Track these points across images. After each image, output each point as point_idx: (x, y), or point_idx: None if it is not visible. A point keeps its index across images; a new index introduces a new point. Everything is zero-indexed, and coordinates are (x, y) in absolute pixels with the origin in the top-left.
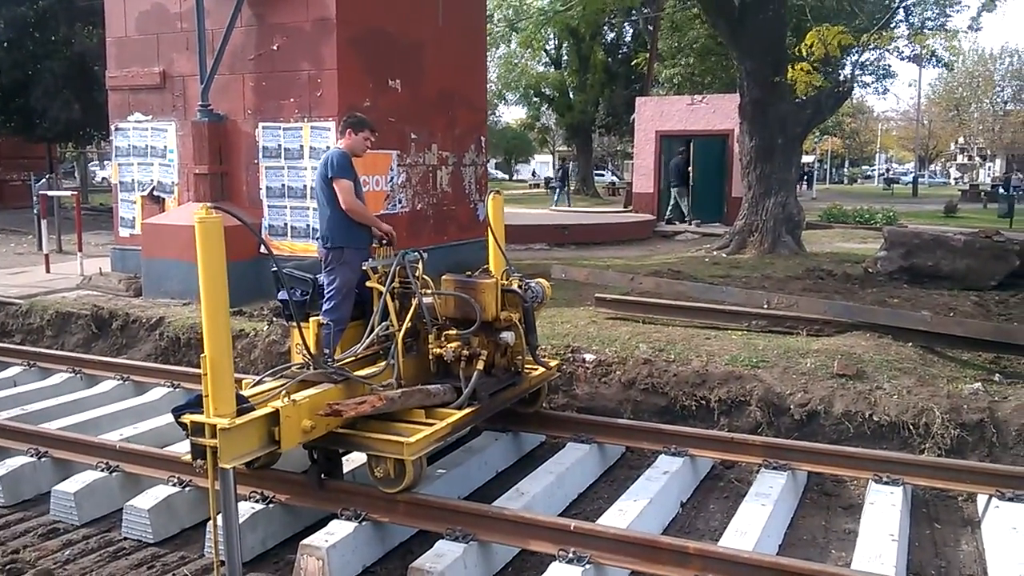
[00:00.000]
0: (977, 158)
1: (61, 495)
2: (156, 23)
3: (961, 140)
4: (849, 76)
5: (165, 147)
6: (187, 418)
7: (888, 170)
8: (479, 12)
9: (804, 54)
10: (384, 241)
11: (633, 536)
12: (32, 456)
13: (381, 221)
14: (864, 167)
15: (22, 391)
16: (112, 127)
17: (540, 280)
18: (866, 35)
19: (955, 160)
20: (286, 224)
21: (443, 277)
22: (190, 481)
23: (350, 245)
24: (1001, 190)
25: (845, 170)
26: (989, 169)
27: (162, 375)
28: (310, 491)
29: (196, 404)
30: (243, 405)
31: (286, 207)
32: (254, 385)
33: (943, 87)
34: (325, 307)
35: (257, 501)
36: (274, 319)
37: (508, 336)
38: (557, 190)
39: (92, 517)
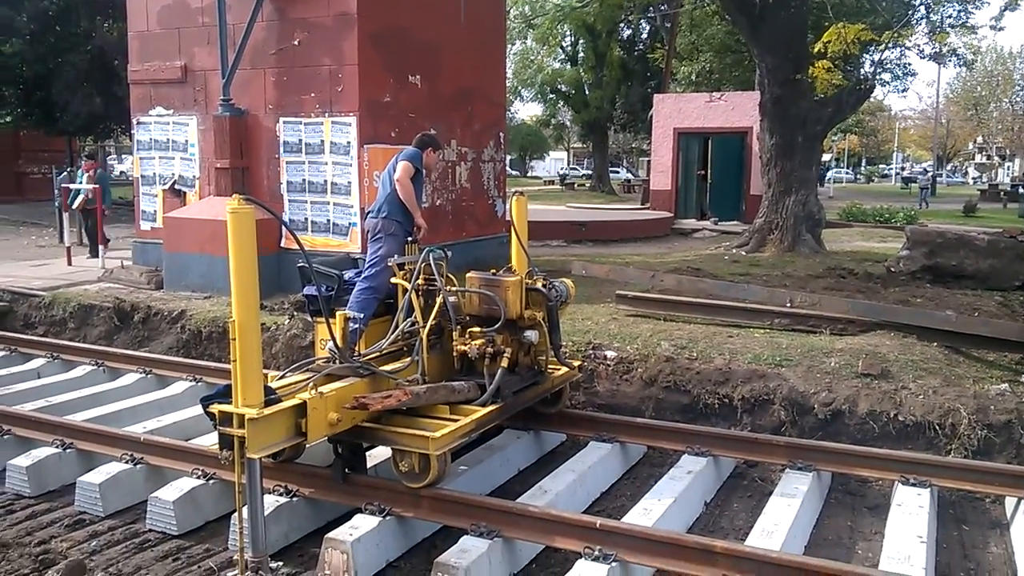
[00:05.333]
0: (996, 157)
1: (86, 486)
2: (178, 18)
3: (980, 139)
4: (870, 74)
5: (186, 141)
6: (215, 407)
7: (910, 168)
8: (498, 7)
9: (823, 51)
10: (409, 239)
11: (659, 534)
12: (57, 447)
13: (420, 215)
14: (881, 166)
15: (46, 383)
16: (134, 121)
17: (564, 280)
18: (888, 32)
19: (973, 159)
20: (306, 219)
21: (468, 275)
22: (214, 474)
23: (401, 222)
24: (1021, 190)
25: (862, 168)
26: (1008, 169)
27: (184, 369)
28: (334, 485)
29: (224, 394)
30: (271, 396)
31: (306, 202)
32: (280, 378)
33: (961, 86)
34: (366, 273)
35: (281, 494)
36: (295, 313)
37: (532, 335)
38: None
39: (116, 508)
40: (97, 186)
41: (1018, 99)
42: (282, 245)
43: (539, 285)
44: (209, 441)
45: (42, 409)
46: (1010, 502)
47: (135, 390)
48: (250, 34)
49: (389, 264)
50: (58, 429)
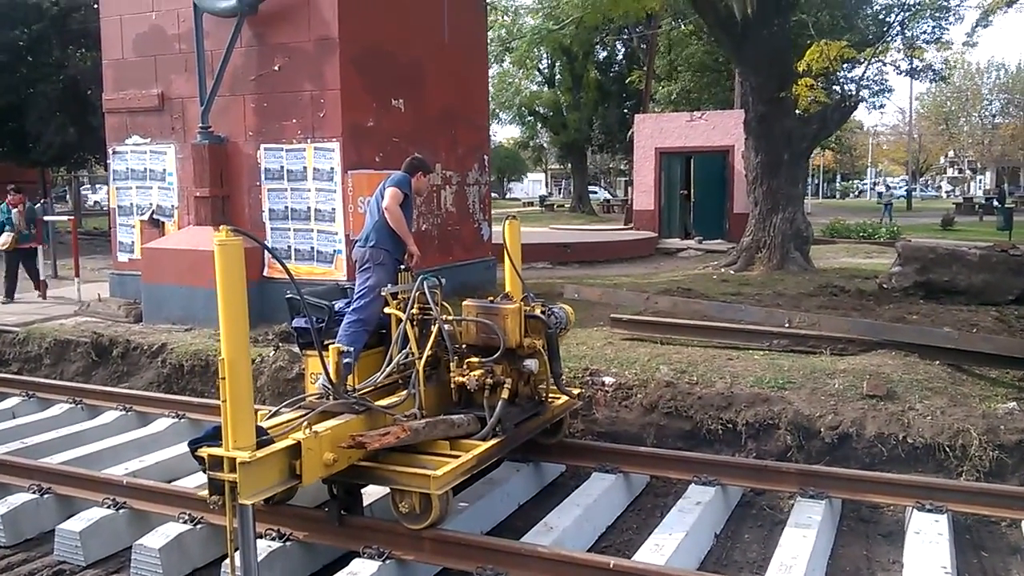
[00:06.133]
0: (968, 171)
1: (66, 534)
2: (154, 45)
3: (951, 153)
4: (854, 91)
5: (164, 170)
6: (204, 451)
7: (886, 184)
8: (480, 28)
9: (808, 68)
10: (403, 267)
11: (678, 575)
12: (34, 493)
13: (413, 242)
14: (855, 181)
15: (21, 423)
16: (109, 150)
17: (563, 306)
18: (869, 49)
19: (945, 173)
20: (290, 247)
21: (464, 303)
22: (202, 518)
23: (390, 251)
24: (996, 203)
25: (837, 184)
26: (980, 182)
27: (167, 405)
28: (329, 528)
29: (213, 436)
30: (262, 437)
31: (289, 229)
32: (271, 416)
33: (932, 101)
34: (354, 305)
35: (274, 539)
36: (280, 345)
37: (532, 364)
38: None
39: (99, 557)
40: (72, 218)
41: (987, 113)
42: (265, 274)
43: (538, 312)
44: (195, 482)
45: (17, 451)
46: None
47: (115, 428)
48: (229, 60)
49: (382, 294)
50: (35, 473)
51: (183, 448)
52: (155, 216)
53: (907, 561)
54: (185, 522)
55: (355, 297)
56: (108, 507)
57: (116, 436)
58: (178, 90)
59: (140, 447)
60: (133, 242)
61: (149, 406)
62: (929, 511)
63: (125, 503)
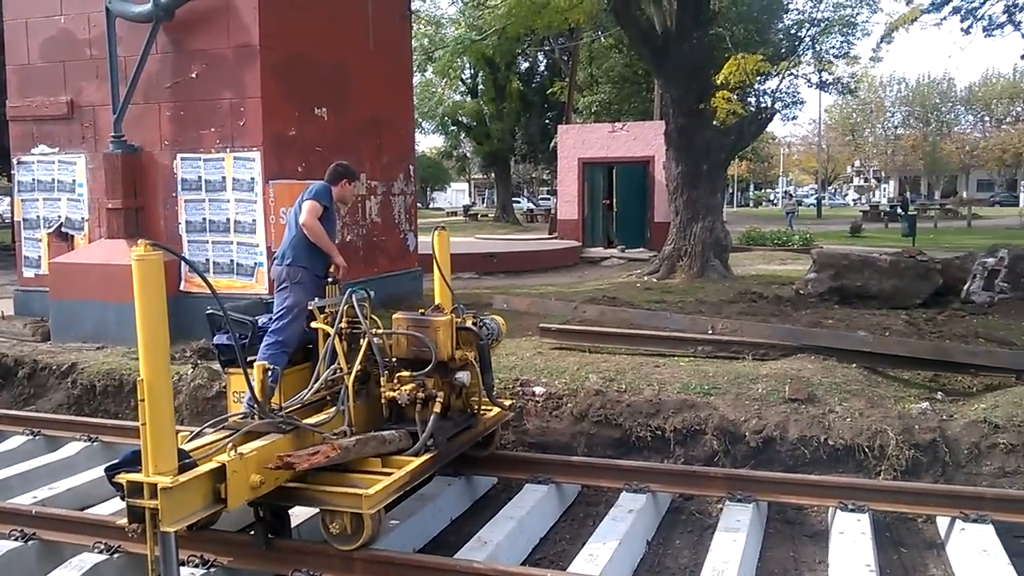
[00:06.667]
0: (873, 180)
1: None
2: (63, 50)
3: (857, 163)
4: (769, 103)
5: (74, 181)
6: (123, 477)
7: (789, 192)
8: (404, 37)
9: (726, 81)
10: (330, 280)
11: None
12: None
13: (338, 254)
14: (767, 190)
15: None
16: (14, 160)
17: (495, 316)
18: (783, 62)
19: (852, 182)
20: (208, 260)
21: (394, 315)
22: (119, 547)
23: (308, 268)
24: (900, 210)
25: (751, 193)
26: (884, 190)
27: (78, 428)
28: (256, 552)
29: (132, 461)
30: (185, 461)
31: (208, 242)
32: (193, 438)
33: (839, 113)
34: (272, 326)
35: (197, 566)
36: (199, 362)
37: (464, 376)
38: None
39: None
40: None
41: (890, 125)
42: (181, 288)
43: (469, 323)
44: (110, 508)
45: None
46: (943, 521)
47: (22, 454)
48: (143, 67)
49: (310, 307)
50: None
51: (97, 473)
52: (64, 229)
53: (832, 561)
54: (101, 552)
55: (273, 318)
56: (16, 539)
57: (23, 462)
58: (89, 97)
59: (50, 473)
60: (40, 257)
61: (59, 429)
62: (852, 511)
63: (35, 534)
